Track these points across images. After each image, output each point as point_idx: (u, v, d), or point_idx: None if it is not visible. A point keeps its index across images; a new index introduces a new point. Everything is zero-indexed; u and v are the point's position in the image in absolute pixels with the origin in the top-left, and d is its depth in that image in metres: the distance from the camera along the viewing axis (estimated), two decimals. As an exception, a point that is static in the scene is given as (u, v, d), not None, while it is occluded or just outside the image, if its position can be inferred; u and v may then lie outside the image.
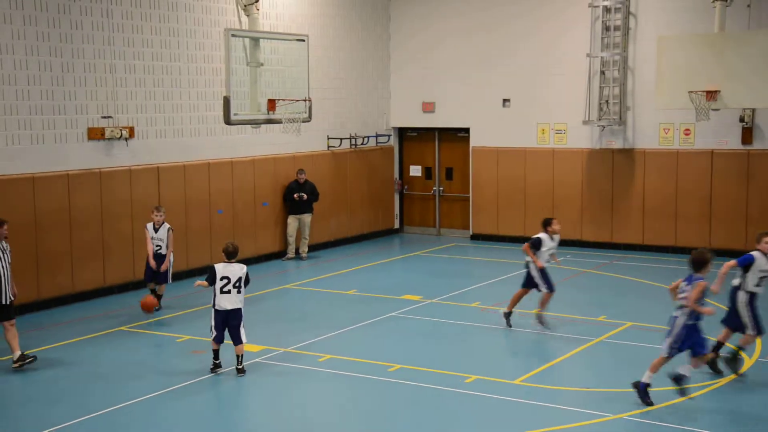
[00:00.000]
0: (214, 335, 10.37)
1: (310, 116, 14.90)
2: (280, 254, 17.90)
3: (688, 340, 9.20)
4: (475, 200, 20.19)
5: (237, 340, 10.34)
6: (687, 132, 17.88)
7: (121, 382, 10.24)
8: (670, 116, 17.75)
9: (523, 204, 19.51)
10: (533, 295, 12.58)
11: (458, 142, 20.65)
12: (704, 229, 17.76)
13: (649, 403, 9.23)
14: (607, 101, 18.43)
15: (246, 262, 16.74)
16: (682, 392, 9.26)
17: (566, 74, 18.85)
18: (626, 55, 18.22)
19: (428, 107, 20.63)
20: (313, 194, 17.81)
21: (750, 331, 10.23)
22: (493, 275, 16.11)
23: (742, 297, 10.22)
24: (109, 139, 14.45)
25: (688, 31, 17.21)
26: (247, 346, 11.25)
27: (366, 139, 20.13)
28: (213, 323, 10.36)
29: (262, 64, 14.26)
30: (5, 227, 10.63)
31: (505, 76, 19.60)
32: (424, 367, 10.64)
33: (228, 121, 13.81)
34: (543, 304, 12.40)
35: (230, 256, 10.39)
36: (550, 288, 12.35)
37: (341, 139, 19.37)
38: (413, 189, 21.38)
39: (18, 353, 10.62)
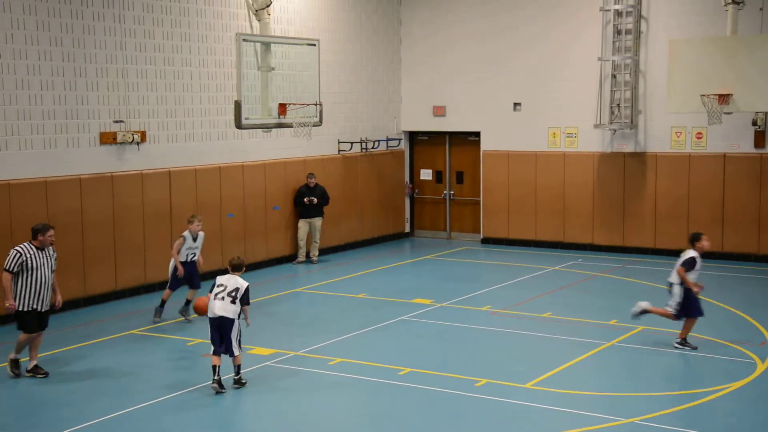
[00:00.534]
0: (212, 349, 9.98)
1: (320, 120, 14.93)
2: (290, 258, 17.92)
3: None
4: (485, 204, 20.17)
5: (229, 352, 9.93)
6: (699, 135, 17.82)
7: (131, 385, 10.27)
8: (681, 120, 17.69)
9: (534, 208, 19.48)
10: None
11: (469, 146, 20.63)
12: (716, 233, 17.68)
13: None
14: (618, 105, 18.38)
15: (257, 265, 16.91)
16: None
17: (577, 78, 18.82)
18: (638, 58, 18.18)
19: (439, 111, 20.62)
20: (324, 198, 17.83)
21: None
22: (504, 279, 16.08)
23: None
24: (121, 143, 14.51)
25: (700, 34, 17.16)
26: (258, 350, 11.29)
27: (377, 143, 20.15)
28: (209, 335, 10.02)
29: (273, 69, 14.30)
30: (50, 233, 10.43)
31: (516, 80, 19.58)
32: (434, 371, 10.63)
33: (239, 125, 13.85)
34: (688, 329, 11.59)
35: (234, 268, 10.15)
36: (700, 313, 11.55)
37: (352, 143, 19.39)
38: (424, 193, 21.38)
39: (34, 362, 10.57)
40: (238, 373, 10.07)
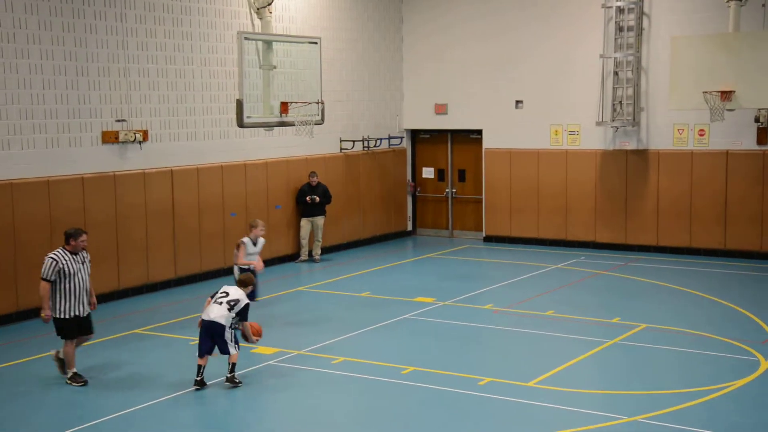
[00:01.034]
0: (197, 351, 9.98)
1: (322, 119, 14.92)
2: (293, 257, 17.93)
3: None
4: (488, 202, 20.16)
5: (224, 351, 9.93)
6: (701, 133, 17.79)
7: (134, 384, 10.27)
8: (684, 117, 17.67)
9: (536, 206, 19.47)
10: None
11: (471, 144, 20.62)
12: (719, 230, 17.67)
13: None
14: (620, 102, 18.36)
15: (259, 264, 16.91)
16: None
17: (579, 75, 18.80)
18: (640, 55, 18.15)
19: (441, 109, 20.61)
20: (326, 197, 17.83)
21: None
22: (507, 277, 16.08)
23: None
24: (123, 142, 14.51)
25: (702, 31, 17.13)
26: (261, 349, 11.29)
27: (378, 141, 20.14)
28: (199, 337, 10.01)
29: (275, 67, 14.29)
30: (83, 237, 10.08)
31: (518, 78, 19.56)
32: (437, 370, 10.63)
33: (241, 123, 13.85)
34: None
35: (241, 284, 10.28)
36: None
37: (354, 141, 19.39)
38: (426, 191, 21.37)
39: (73, 370, 10.21)
40: (232, 371, 10.02)
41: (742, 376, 10.27)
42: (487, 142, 20.11)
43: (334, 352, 11.45)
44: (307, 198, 17.60)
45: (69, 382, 10.18)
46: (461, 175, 20.91)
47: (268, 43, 14.23)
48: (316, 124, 14.79)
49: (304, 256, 17.88)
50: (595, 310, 13.51)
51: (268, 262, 17.16)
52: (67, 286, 10.02)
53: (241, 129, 15.09)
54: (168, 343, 12.09)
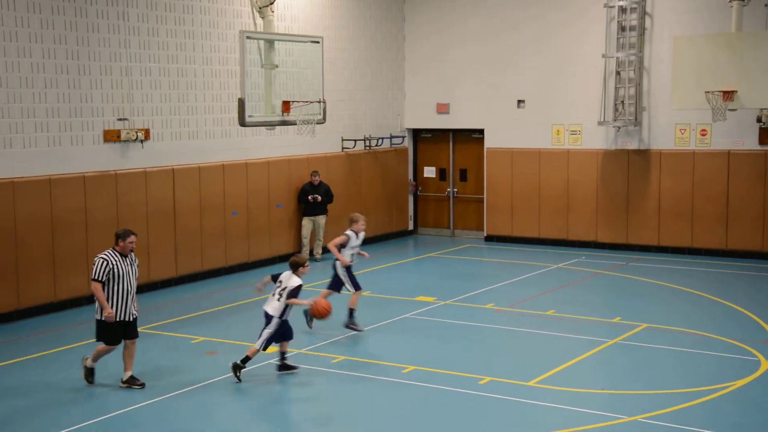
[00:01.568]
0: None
1: (324, 118, 14.93)
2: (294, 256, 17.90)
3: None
4: (489, 201, 20.15)
5: (285, 338, 10.42)
6: (703, 132, 17.78)
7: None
8: (686, 117, 17.66)
9: (537, 205, 19.46)
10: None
11: (473, 144, 20.62)
12: (720, 230, 17.66)
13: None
14: (622, 102, 18.35)
15: (260, 263, 16.92)
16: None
17: (581, 75, 18.79)
18: (642, 55, 18.14)
19: (443, 108, 20.61)
20: (327, 196, 17.84)
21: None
22: (508, 277, 16.07)
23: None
24: (124, 141, 14.53)
25: (704, 30, 17.12)
26: (262, 348, 11.29)
27: (380, 141, 20.14)
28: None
29: (276, 66, 14.30)
30: (131, 239, 9.87)
31: (520, 77, 19.56)
32: (438, 369, 10.63)
33: (243, 123, 13.86)
34: None
35: (293, 266, 10.54)
36: None
37: (355, 140, 19.39)
38: (427, 190, 21.37)
39: (129, 373, 10.04)
40: (244, 361, 10.22)
41: (743, 376, 10.26)
42: (489, 142, 20.11)
43: (335, 351, 11.46)
44: (309, 197, 17.60)
45: (125, 385, 10.02)
46: (463, 175, 20.91)
47: (270, 43, 14.24)
48: (317, 124, 14.80)
49: (305, 255, 17.86)
50: (596, 310, 13.50)
51: (270, 261, 17.19)
52: (115, 288, 9.76)
53: (243, 128, 15.10)
54: (169, 341, 12.09)
